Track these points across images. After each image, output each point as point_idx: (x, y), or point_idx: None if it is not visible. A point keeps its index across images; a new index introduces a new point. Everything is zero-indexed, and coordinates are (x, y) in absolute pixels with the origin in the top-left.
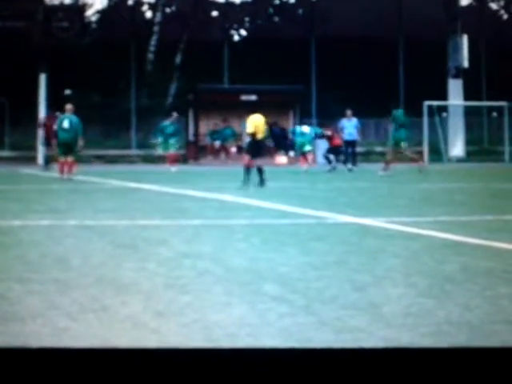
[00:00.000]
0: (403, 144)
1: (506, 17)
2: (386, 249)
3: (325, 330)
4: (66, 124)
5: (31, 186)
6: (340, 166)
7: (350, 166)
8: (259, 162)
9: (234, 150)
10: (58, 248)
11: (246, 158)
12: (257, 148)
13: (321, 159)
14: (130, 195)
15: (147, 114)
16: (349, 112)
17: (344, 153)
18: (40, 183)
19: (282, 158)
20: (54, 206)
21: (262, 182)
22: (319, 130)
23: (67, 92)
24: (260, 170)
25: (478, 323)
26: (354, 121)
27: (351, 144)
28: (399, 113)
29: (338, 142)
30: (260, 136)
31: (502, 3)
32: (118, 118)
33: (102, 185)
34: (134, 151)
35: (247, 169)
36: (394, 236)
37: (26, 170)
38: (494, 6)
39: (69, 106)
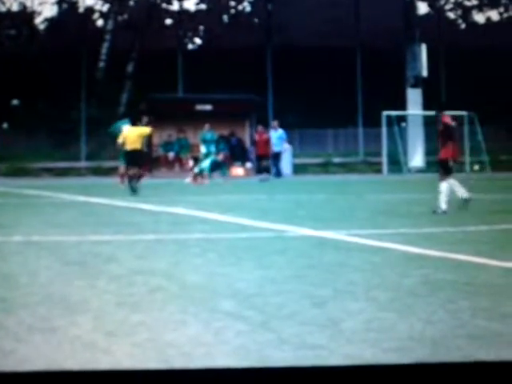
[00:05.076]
0: None
1: (463, 26)
2: (347, 262)
3: (284, 348)
4: None
5: None
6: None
7: (262, 177)
8: (132, 171)
9: (191, 162)
10: (3, 265)
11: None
12: (128, 158)
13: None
14: (79, 209)
15: (97, 124)
16: (274, 123)
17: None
18: None
19: (238, 170)
20: None
21: (133, 190)
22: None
23: (14, 102)
24: (137, 178)
25: (441, 338)
26: (280, 132)
27: (275, 156)
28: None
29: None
30: (131, 147)
31: (459, 12)
32: (66, 129)
33: (50, 199)
34: (83, 163)
35: (128, 179)
36: (354, 249)
37: None
38: (451, 15)
39: None
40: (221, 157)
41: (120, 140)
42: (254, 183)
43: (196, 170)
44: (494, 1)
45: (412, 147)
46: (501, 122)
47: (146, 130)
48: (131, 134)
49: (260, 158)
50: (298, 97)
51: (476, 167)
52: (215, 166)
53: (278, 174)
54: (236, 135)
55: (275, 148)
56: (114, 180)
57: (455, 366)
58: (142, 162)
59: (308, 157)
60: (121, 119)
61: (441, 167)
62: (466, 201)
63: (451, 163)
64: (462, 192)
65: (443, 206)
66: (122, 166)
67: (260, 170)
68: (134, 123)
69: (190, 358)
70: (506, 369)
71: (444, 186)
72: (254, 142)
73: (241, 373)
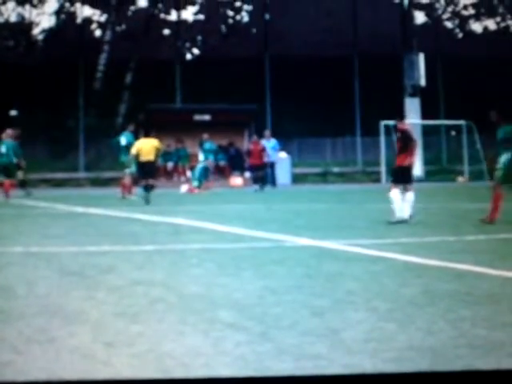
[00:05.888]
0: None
1: (461, 35)
2: (346, 272)
3: (283, 358)
4: (2, 149)
5: None
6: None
7: (256, 187)
8: (144, 181)
9: (189, 173)
10: (1, 276)
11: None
12: (143, 169)
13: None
14: (77, 220)
15: (96, 134)
16: (267, 133)
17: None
18: None
19: (237, 180)
20: None
21: (146, 200)
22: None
23: (13, 113)
24: (150, 188)
25: (441, 347)
26: (273, 142)
27: (270, 165)
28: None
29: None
30: (145, 158)
31: (456, 22)
32: (65, 140)
33: (48, 209)
34: (81, 174)
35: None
36: (353, 259)
37: None
38: (449, 24)
39: (9, 132)
40: (209, 163)
41: (133, 151)
42: (252, 193)
43: (195, 183)
44: (491, 10)
45: None
46: None
47: (158, 142)
48: (146, 146)
49: (255, 168)
50: (296, 106)
51: (460, 179)
52: (206, 172)
53: (273, 183)
54: (234, 145)
55: (266, 158)
56: (116, 191)
57: (456, 375)
58: (155, 173)
59: (306, 166)
60: (122, 131)
61: (395, 173)
62: (397, 222)
63: (407, 170)
64: (404, 210)
65: (402, 214)
66: (126, 177)
67: (255, 180)
68: (148, 135)
69: (189, 369)
70: (506, 378)
71: (394, 193)
72: (247, 153)
73: (240, 382)
